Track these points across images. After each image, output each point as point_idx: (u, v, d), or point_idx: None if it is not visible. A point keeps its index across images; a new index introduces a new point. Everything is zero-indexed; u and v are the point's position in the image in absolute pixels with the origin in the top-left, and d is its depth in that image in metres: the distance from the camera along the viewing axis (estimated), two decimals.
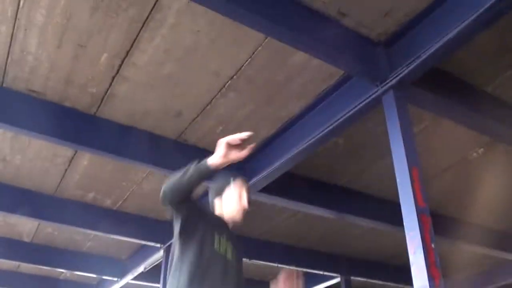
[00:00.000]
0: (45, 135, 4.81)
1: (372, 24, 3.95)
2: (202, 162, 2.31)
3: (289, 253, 8.31)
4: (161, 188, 2.43)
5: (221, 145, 2.28)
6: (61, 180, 6.30)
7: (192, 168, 2.31)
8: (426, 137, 5.34)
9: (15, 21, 3.98)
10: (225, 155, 2.27)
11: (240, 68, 4.45)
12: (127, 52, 4.30)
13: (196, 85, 4.70)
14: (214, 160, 2.29)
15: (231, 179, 2.74)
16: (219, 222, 2.68)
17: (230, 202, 2.70)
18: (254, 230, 7.81)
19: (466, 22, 3.33)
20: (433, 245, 3.32)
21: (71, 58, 4.35)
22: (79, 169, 6.07)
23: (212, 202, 2.84)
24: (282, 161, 5.11)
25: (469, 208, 7.05)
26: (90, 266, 8.74)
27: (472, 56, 4.26)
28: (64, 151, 5.65)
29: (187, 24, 4.02)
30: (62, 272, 9.61)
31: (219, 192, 2.78)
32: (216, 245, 2.47)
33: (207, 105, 4.94)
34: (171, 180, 2.36)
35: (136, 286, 9.80)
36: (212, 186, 2.87)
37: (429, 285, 3.16)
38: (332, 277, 9.10)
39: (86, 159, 5.86)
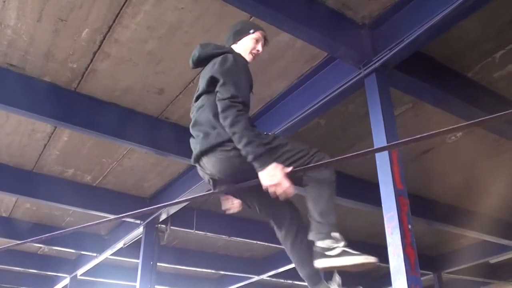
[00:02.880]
0: (24, 110, 4.73)
1: (357, 7, 3.95)
2: (262, 158, 2.16)
3: (267, 232, 8.41)
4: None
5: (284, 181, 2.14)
6: (40, 155, 6.23)
7: (254, 149, 2.16)
8: (406, 120, 5.43)
9: None
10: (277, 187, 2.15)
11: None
12: (109, 28, 4.23)
13: (179, 63, 4.65)
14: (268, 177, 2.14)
15: (252, 29, 2.70)
16: None
17: (244, 49, 2.67)
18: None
19: (450, 9, 3.36)
20: (409, 226, 3.42)
21: (51, 32, 4.26)
22: (58, 145, 6.00)
23: (228, 43, 2.73)
24: None
25: (447, 190, 7.23)
26: (69, 242, 8.71)
27: (454, 42, 4.32)
28: (43, 126, 5.57)
29: (171, 1, 3.95)
30: (40, 247, 9.57)
31: (237, 37, 2.71)
32: None
33: (190, 83, 4.91)
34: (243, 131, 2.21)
35: (116, 262, 9.84)
36: (232, 28, 2.78)
37: (405, 265, 3.26)
38: None
39: (66, 135, 5.79)
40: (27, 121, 5.39)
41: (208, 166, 2.37)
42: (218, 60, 2.46)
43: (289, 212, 2.58)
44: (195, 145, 2.44)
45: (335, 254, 2.18)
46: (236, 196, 2.62)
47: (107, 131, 5.17)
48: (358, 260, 2.19)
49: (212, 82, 2.41)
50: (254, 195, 2.51)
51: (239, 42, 2.69)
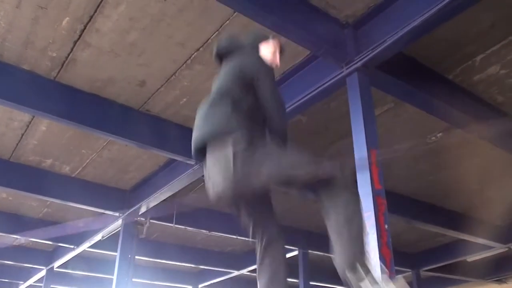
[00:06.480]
0: (0, 99, 4.61)
1: (341, 6, 3.95)
2: None
3: None
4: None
5: None
6: (17, 145, 6.11)
7: None
8: (387, 119, 5.46)
9: None
10: None
11: (207, 41, 4.37)
12: (91, 17, 4.15)
13: (161, 55, 4.60)
14: None
15: (271, 35, 2.66)
16: None
17: (265, 53, 2.57)
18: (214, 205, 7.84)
19: (432, 11, 3.37)
20: (386, 226, 3.43)
21: (30, 19, 4.17)
22: (36, 134, 5.90)
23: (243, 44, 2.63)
24: None
25: (426, 189, 7.32)
26: (45, 233, 8.58)
27: (436, 45, 4.35)
28: (21, 115, 5.47)
29: None
30: (16, 238, 9.42)
31: (255, 43, 2.62)
32: None
33: (172, 76, 4.86)
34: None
35: (93, 254, 9.74)
36: (251, 33, 2.69)
37: (380, 264, 3.27)
38: (290, 250, 9.29)
39: (44, 125, 5.69)
40: (4, 109, 5.27)
41: (209, 165, 2.18)
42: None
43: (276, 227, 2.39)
44: (199, 131, 2.28)
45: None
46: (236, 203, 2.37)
47: (86, 122, 5.09)
48: None
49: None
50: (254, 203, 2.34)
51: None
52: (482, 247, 9.24)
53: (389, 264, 3.31)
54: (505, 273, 11.33)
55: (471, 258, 10.49)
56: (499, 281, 11.85)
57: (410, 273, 10.64)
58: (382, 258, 3.27)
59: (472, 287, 12.39)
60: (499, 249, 9.33)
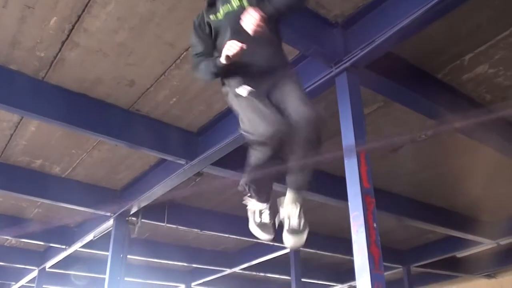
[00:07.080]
0: None
1: (330, 5, 3.95)
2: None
3: (239, 225, 8.42)
4: None
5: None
6: (6, 145, 6.07)
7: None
8: (377, 118, 5.48)
9: None
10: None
11: None
12: (79, 17, 4.13)
13: (150, 55, 4.59)
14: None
15: None
16: None
17: None
18: (206, 203, 7.86)
19: (421, 11, 3.39)
20: (375, 225, 3.45)
21: (17, 19, 4.13)
22: (26, 134, 5.86)
23: None
24: (235, 136, 5.10)
25: (416, 187, 7.37)
26: (37, 234, 8.53)
27: (425, 44, 4.37)
28: (9, 115, 5.42)
29: None
30: (7, 239, 9.37)
31: None
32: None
33: (161, 75, 4.84)
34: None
35: (85, 254, 9.71)
36: None
37: (369, 263, 3.30)
38: (282, 248, 9.31)
39: (34, 125, 5.65)
40: None
41: None
42: None
43: None
44: None
45: None
46: None
47: (76, 123, 5.07)
48: None
49: None
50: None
51: None
52: (471, 243, 9.33)
53: (377, 262, 3.33)
54: (494, 268, 11.48)
55: (460, 254, 10.60)
56: (489, 276, 11.99)
57: (401, 269, 10.71)
58: (371, 256, 3.30)
59: (462, 283, 12.51)
60: (488, 245, 9.43)
